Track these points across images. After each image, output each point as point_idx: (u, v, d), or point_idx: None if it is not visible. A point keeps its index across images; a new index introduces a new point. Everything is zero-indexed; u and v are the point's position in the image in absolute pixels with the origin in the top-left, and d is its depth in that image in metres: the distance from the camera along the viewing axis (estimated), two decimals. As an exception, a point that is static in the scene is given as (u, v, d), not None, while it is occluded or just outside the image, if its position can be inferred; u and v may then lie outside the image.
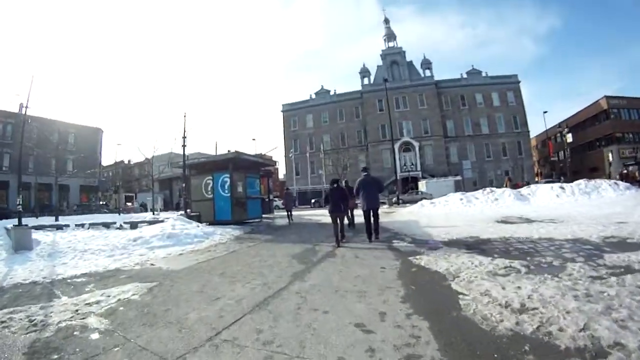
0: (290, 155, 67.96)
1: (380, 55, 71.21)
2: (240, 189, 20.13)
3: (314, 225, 18.75)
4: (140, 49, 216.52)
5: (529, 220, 14.19)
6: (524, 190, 24.81)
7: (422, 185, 51.02)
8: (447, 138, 65.97)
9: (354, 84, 74.01)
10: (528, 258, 7.24)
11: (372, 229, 11.59)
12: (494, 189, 25.21)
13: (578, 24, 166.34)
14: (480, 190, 24.84)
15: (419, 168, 61.82)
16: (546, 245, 8.60)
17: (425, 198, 40.30)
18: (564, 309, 4.24)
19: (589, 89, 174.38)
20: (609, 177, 40.83)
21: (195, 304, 5.38)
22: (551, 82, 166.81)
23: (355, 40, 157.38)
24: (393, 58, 70.07)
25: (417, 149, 62.92)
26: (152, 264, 9.15)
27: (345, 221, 12.89)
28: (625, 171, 46.75)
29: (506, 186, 31.56)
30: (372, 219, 11.65)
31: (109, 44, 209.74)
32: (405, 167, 60.31)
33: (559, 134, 64.90)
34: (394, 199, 37.92)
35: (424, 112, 65.95)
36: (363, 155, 67.34)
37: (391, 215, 20.70)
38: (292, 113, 74.06)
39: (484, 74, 69.91)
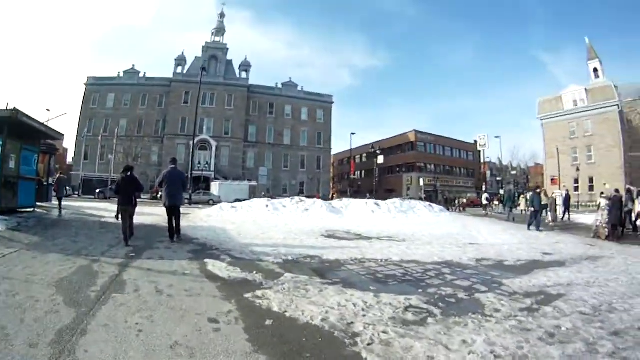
0: (82, 136, 58.60)
1: (203, 47, 66.99)
2: (12, 165, 13.76)
3: (95, 224, 14.33)
4: None
5: (362, 237, 13.40)
6: (336, 203, 24.41)
7: (214, 187, 48.86)
8: (247, 142, 64.97)
9: (168, 71, 67.56)
10: (420, 290, 6.08)
11: (175, 230, 10.74)
12: (303, 198, 24.67)
13: (397, 69, 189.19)
14: (288, 199, 23.87)
15: (212, 168, 59.16)
16: (420, 271, 7.74)
17: (212, 200, 39.96)
18: (554, 362, 3.36)
19: (396, 122, 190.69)
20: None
21: None
22: (362, 111, 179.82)
23: (184, 29, 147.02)
24: (214, 53, 66.03)
25: (214, 148, 60.44)
26: None
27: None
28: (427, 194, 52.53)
29: (332, 198, 31.06)
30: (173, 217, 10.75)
31: None
32: (199, 165, 56.53)
33: (359, 156, 68.31)
34: (185, 199, 34.14)
35: (229, 112, 63.65)
36: (157, 147, 61.89)
37: (188, 217, 17.66)
38: (96, 89, 64.16)
39: (299, 88, 70.92)
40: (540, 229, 17.90)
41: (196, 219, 17.72)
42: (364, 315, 4.66)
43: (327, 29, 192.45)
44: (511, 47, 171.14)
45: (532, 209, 18.96)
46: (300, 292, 5.68)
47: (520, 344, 3.79)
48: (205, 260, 7.95)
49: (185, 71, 65.10)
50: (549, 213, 22.74)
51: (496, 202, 44.41)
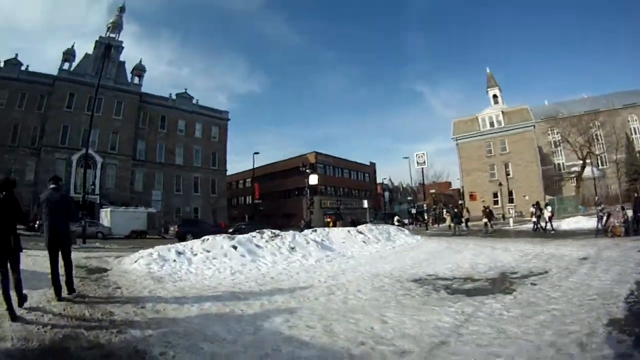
0: None
1: (96, 42, 51.02)
2: None
3: None
4: None
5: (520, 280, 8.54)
6: (315, 235, 16.96)
7: (104, 215, 36.15)
8: (136, 161, 51.75)
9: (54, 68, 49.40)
10: None
11: (64, 281, 6.63)
12: (276, 231, 15.79)
13: (273, 95, 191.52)
14: (256, 233, 14.59)
15: (97, 191, 44.27)
16: None
17: (101, 232, 31.04)
18: None
19: (269, 148, 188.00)
20: (307, 224, 37.63)
21: None
22: (239, 135, 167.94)
23: (77, 25, 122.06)
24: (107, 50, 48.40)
25: (99, 166, 46.16)
26: None
27: None
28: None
29: (331, 226, 27.23)
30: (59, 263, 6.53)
31: None
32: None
33: (242, 180, 67.64)
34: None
35: (117, 123, 49.94)
36: (34, 162, 44.97)
37: (119, 288, 7.91)
38: None
39: (194, 101, 59.94)
40: None
41: (141, 290, 7.66)
42: None
43: (208, 51, 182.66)
44: (387, 78, 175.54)
45: None
46: None
47: None
48: None
49: (72, 69, 48.96)
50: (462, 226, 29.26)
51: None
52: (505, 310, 5.92)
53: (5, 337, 4.58)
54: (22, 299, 5.74)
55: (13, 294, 5.49)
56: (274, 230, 15.63)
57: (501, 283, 8.26)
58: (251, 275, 10.07)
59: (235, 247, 12.35)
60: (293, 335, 4.95)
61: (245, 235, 14.00)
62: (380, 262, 12.62)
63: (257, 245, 13.14)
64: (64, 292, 6.63)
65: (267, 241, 13.78)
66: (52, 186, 6.82)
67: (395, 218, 42.12)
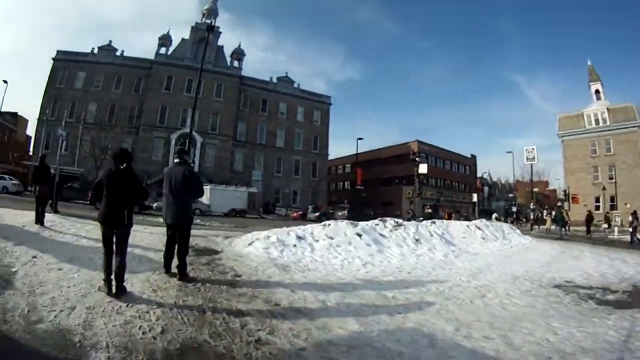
0: (44, 118, 42.71)
1: (192, 27, 52.08)
2: None
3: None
4: None
5: None
6: (436, 228, 15.25)
7: (205, 192, 35.39)
8: (236, 142, 51.99)
9: (149, 53, 53.30)
10: None
11: (176, 265, 6.06)
12: (400, 220, 14.34)
13: (371, 81, 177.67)
14: (378, 222, 13.18)
15: (197, 169, 43.57)
16: None
17: (199, 209, 29.06)
18: None
19: (365, 135, 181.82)
20: (414, 214, 37.39)
21: None
22: (336, 121, 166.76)
23: (170, 9, 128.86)
24: (204, 35, 46.19)
25: (198, 145, 46.98)
26: None
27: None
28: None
29: (449, 218, 26.06)
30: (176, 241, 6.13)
31: None
32: (185, 165, 40.42)
33: (342, 166, 65.86)
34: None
35: (218, 105, 50.43)
36: (131, 140, 45.56)
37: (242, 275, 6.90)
38: (66, 64, 47.90)
39: (295, 85, 59.16)
40: None
41: (267, 281, 6.52)
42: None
43: (304, 38, 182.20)
44: (482, 67, 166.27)
45: None
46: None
47: None
48: None
49: (169, 53, 50.79)
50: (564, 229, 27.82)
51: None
52: (660, 325, 5.65)
53: (97, 343, 3.36)
54: (121, 288, 4.92)
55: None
56: (397, 220, 14.10)
57: (639, 297, 7.81)
58: (384, 268, 8.82)
59: (359, 235, 10.91)
60: (475, 348, 4.24)
61: (368, 223, 12.64)
62: (507, 262, 11.51)
63: (381, 235, 11.77)
64: (174, 278, 5.91)
65: (390, 230, 12.43)
66: (175, 160, 6.46)
67: (494, 215, 40.71)
